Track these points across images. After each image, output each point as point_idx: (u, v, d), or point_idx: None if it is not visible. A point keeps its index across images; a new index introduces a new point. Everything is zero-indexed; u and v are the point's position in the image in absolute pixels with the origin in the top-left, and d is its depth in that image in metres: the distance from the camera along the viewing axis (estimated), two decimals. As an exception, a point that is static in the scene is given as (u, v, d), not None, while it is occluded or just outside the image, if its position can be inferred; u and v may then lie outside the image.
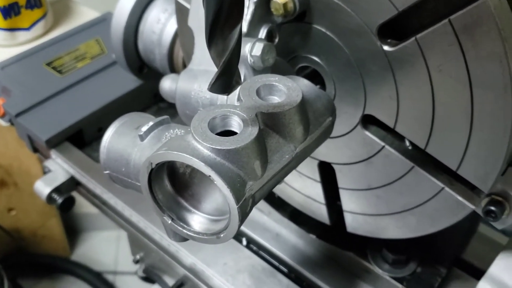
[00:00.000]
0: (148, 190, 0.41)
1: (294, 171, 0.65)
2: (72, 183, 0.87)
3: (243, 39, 0.47)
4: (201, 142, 0.37)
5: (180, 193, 0.43)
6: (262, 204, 0.78)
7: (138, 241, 0.82)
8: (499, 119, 0.43)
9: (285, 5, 0.48)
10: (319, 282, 0.71)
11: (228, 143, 0.37)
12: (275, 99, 0.43)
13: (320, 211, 0.68)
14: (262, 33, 0.49)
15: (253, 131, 0.38)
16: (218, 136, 0.38)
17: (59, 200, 0.85)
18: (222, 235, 0.40)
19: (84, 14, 1.20)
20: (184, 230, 0.42)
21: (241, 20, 0.32)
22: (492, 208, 0.51)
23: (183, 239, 0.45)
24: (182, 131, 0.43)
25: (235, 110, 0.39)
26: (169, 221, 0.42)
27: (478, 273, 0.62)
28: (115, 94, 0.96)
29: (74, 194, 0.90)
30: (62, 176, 0.87)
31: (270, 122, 0.41)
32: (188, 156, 0.37)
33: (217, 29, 0.32)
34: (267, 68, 0.47)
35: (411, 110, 0.49)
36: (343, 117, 0.55)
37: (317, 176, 0.64)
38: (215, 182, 0.37)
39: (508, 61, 0.40)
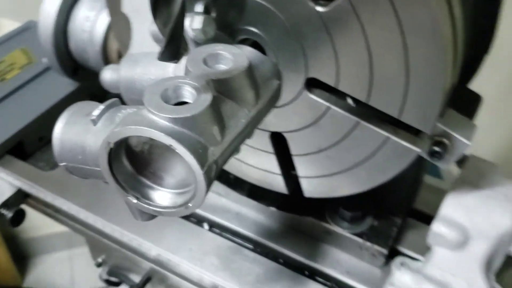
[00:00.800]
0: (109, 172, 0.41)
1: (247, 147, 0.67)
2: (20, 196, 0.85)
3: (182, 16, 0.48)
4: (157, 114, 0.37)
5: (141, 172, 0.43)
6: (219, 186, 0.79)
7: (98, 243, 0.81)
8: (432, 63, 0.46)
9: (217, -22, 0.49)
10: (284, 251, 0.73)
11: (184, 111, 0.38)
12: (223, 66, 0.44)
13: (277, 182, 0.70)
14: (199, 8, 0.50)
15: (207, 97, 0.39)
16: (173, 106, 0.38)
17: (9, 214, 0.82)
18: (190, 204, 0.41)
19: (3, 26, 1.16)
20: (151, 207, 0.43)
21: (183, -15, 0.33)
22: (436, 149, 0.55)
23: (151, 217, 0.45)
24: (134, 109, 0.43)
25: (185, 80, 0.40)
26: (135, 201, 0.42)
27: (431, 220, 0.66)
28: (51, 100, 0.93)
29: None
30: (8, 190, 0.84)
31: (221, 88, 0.42)
32: (146, 128, 0.37)
33: (160, -3, 0.33)
34: (209, 41, 0.48)
35: (350, 67, 0.52)
36: (287, 84, 0.57)
37: (270, 147, 0.65)
38: (177, 151, 0.37)
39: (435, 5, 0.43)
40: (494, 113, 1.41)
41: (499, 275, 0.69)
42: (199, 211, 0.79)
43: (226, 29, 0.57)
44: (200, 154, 0.38)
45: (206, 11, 0.52)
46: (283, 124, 0.61)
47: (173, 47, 0.35)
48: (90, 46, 0.81)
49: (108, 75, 0.59)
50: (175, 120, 0.37)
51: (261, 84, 0.45)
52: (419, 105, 0.50)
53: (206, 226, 0.78)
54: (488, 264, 0.65)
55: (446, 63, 0.46)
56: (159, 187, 0.43)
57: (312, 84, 0.56)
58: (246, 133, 0.45)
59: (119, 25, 0.63)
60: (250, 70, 0.43)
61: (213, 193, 0.80)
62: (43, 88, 0.96)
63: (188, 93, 0.40)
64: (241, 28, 0.56)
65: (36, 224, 1.76)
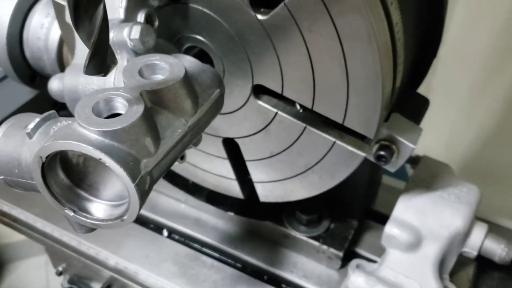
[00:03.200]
0: (43, 186, 0.41)
1: (201, 152, 0.67)
2: (-23, 206, 0.83)
3: (122, 25, 0.48)
4: (87, 127, 0.37)
5: (77, 184, 0.43)
6: (178, 192, 0.78)
7: (57, 252, 0.80)
8: (370, 68, 0.47)
9: (158, -13, 0.49)
10: (242, 256, 0.73)
11: (114, 124, 0.37)
12: (159, 77, 0.43)
13: (233, 187, 0.70)
14: (141, 17, 0.50)
15: (139, 109, 0.38)
16: (102, 119, 0.38)
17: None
18: (125, 217, 0.41)
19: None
20: (88, 220, 0.42)
21: (102, -2, 0.33)
22: (382, 153, 0.55)
23: (89, 229, 0.45)
24: (69, 121, 0.43)
25: (117, 92, 0.40)
26: (71, 214, 0.42)
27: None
28: (10, 108, 0.92)
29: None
30: (-36, 202, 0.83)
31: (157, 99, 0.42)
32: (75, 142, 0.37)
33: (81, 10, 0.32)
34: (150, 50, 0.48)
35: (293, 73, 0.52)
36: (235, 91, 0.57)
37: (223, 153, 0.65)
38: (107, 164, 0.37)
39: (367, 12, 0.44)
40: (465, 113, 1.44)
41: (453, 275, 0.70)
42: (157, 218, 0.79)
43: (172, 38, 0.57)
44: (131, 167, 0.38)
45: (149, 19, 0.52)
46: (234, 130, 0.62)
47: (99, 60, 0.35)
48: (45, 53, 0.80)
49: (54, 85, 0.58)
50: (104, 133, 0.37)
51: (200, 93, 0.45)
52: (361, 110, 0.51)
53: (165, 232, 0.77)
54: (440, 265, 0.66)
55: (383, 68, 0.47)
56: (95, 199, 0.43)
57: (260, 90, 0.57)
58: (186, 142, 0.44)
59: (67, 33, 0.62)
60: (187, 80, 0.43)
61: (172, 199, 0.80)
62: (1, 96, 0.95)
63: (120, 105, 0.40)
64: (187, 36, 0.56)
65: (9, 230, 1.74)
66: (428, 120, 1.56)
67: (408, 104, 0.59)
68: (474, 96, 1.41)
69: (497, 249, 0.66)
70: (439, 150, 1.50)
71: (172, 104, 0.42)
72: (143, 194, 0.39)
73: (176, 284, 0.69)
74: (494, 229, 0.74)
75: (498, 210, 0.98)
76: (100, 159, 0.37)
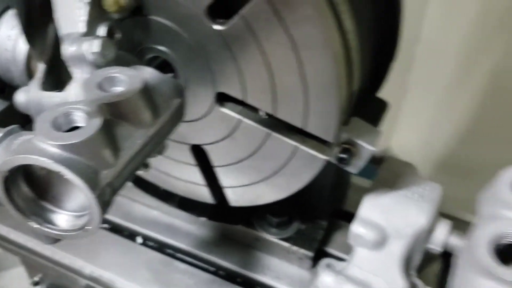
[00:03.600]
0: (6, 199, 0.41)
1: (170, 160, 0.68)
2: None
3: (82, 39, 0.49)
4: (46, 141, 0.38)
5: (42, 196, 0.44)
6: (150, 199, 0.79)
7: (32, 263, 0.80)
8: (325, 75, 0.49)
9: (117, 2, 0.50)
10: (215, 260, 0.74)
11: (72, 138, 0.38)
12: (119, 89, 0.44)
13: (203, 193, 0.71)
14: (102, 30, 0.51)
15: (97, 122, 0.40)
16: (61, 133, 0.39)
17: None
18: (89, 228, 0.42)
19: None
20: (52, 231, 0.43)
21: (52, 16, 0.34)
22: (343, 155, 0.57)
23: (55, 240, 0.46)
24: (31, 136, 0.44)
25: (77, 105, 0.41)
26: (36, 226, 0.43)
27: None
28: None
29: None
30: None
31: (116, 111, 0.43)
32: (34, 157, 0.38)
33: (33, 27, 0.34)
34: (110, 63, 0.49)
35: (254, 81, 0.53)
36: (199, 99, 0.58)
37: (192, 160, 0.67)
38: (67, 177, 0.38)
39: (320, 21, 0.45)
40: (442, 109, 1.46)
41: (421, 271, 0.72)
42: (131, 225, 0.79)
43: (134, 49, 0.58)
44: (91, 179, 0.39)
45: (110, 32, 0.53)
46: (201, 137, 0.63)
47: (54, 76, 0.36)
48: (13, 65, 0.80)
49: (20, 97, 0.59)
50: (63, 147, 0.38)
51: (160, 103, 0.46)
52: (319, 116, 0.52)
53: (139, 239, 0.78)
54: (406, 262, 0.68)
55: (338, 75, 0.48)
56: (59, 210, 0.44)
57: (224, 98, 0.58)
58: (147, 151, 0.46)
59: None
60: (146, 91, 0.44)
61: (145, 206, 0.81)
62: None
63: (79, 118, 0.41)
64: (149, 47, 0.57)
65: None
66: (405, 117, 1.57)
67: (367, 108, 0.61)
68: (450, 93, 1.43)
69: (460, 245, 0.68)
70: (416, 147, 1.53)
71: (131, 115, 0.43)
72: (104, 204, 0.41)
73: (149, 289, 0.70)
74: (463, 226, 0.76)
75: (469, 204, 1.00)
76: (60, 172, 0.38)
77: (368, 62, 0.60)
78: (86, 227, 0.42)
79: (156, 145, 0.47)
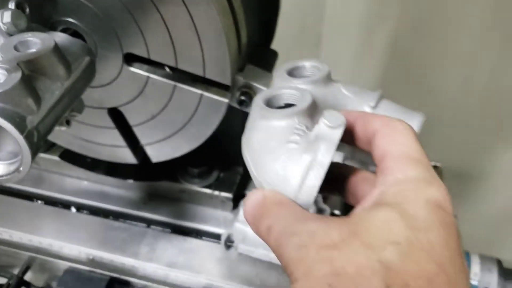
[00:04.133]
0: None
1: (91, 127, 0.75)
2: None
3: (-6, 13, 0.55)
4: (-26, 94, 0.44)
5: (-24, 150, 0.50)
6: (78, 171, 0.85)
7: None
8: (213, 26, 0.57)
9: (19, -22, 0.56)
10: (145, 215, 0.82)
11: (-3, 88, 0.45)
12: (33, 50, 0.51)
13: (126, 154, 0.78)
14: (11, 4, 0.57)
15: (17, 75, 0.46)
16: (-14, 85, 0.45)
17: None
18: (21, 168, 0.48)
19: None
20: (-14, 178, 0.49)
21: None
22: (242, 98, 0.66)
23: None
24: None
25: (-3, 65, 0.47)
26: (-29, 175, 0.49)
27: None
28: None
29: None
30: None
31: (33, 67, 0.49)
32: (-35, 107, 0.44)
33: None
34: (23, 32, 0.55)
35: (154, 39, 0.61)
36: (110, 63, 0.65)
37: (110, 123, 0.74)
38: (-4, 122, 0.44)
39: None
40: (352, 82, 1.58)
41: (327, 197, 0.83)
42: (64, 197, 0.85)
43: (46, 23, 0.64)
44: (18, 122, 0.45)
45: (20, 7, 0.59)
46: (115, 99, 0.70)
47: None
48: None
49: None
50: (-10, 97, 0.45)
51: (72, 61, 0.53)
52: (215, 63, 0.61)
53: (73, 209, 0.84)
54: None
55: (224, 26, 0.57)
56: (-6, 160, 0.50)
57: (131, 58, 0.65)
58: (66, 103, 0.53)
59: None
60: (58, 49, 0.51)
61: (74, 178, 0.87)
62: None
63: (1, 76, 0.47)
64: (59, 20, 0.63)
65: None
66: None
67: (260, 57, 0.71)
68: (356, 63, 1.55)
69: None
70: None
71: (47, 70, 0.50)
72: (33, 145, 0.47)
73: (88, 247, 0.77)
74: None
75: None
76: (-11, 118, 0.44)
77: (255, 17, 0.69)
78: (19, 169, 0.48)
79: (73, 97, 0.54)
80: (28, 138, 0.46)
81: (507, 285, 0.79)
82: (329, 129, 0.39)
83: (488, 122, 1.42)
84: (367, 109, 0.52)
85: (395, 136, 0.40)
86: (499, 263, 0.82)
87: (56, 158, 0.86)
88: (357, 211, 0.38)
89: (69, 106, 0.54)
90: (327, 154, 0.39)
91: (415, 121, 0.52)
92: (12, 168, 0.50)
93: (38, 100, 0.48)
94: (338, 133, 0.39)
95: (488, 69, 1.35)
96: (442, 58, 1.36)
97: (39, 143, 0.49)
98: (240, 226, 0.74)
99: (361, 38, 1.46)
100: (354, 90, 0.53)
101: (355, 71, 1.55)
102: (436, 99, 1.41)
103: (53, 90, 0.51)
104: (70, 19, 0.63)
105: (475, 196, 1.54)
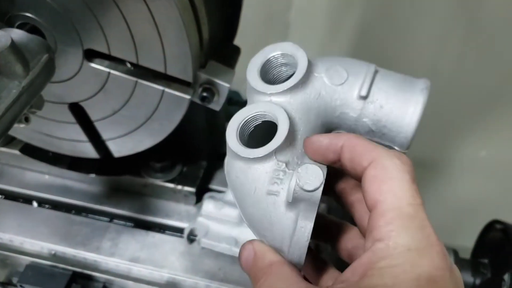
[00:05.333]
0: None
1: (53, 121, 0.74)
2: None
3: None
4: None
5: None
6: (40, 165, 0.84)
7: None
8: (174, 22, 0.57)
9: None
10: (108, 209, 0.82)
11: (-50, 87, 0.44)
12: (-11, 48, 0.50)
13: (87, 149, 0.78)
14: (-35, 0, 0.56)
15: (-28, 74, 0.46)
16: None
17: None
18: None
19: None
20: None
21: None
22: (204, 94, 0.67)
23: None
24: None
25: (-49, 62, 0.46)
26: None
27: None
28: None
29: None
30: None
31: (-11, 66, 0.49)
32: None
33: None
34: (-22, 28, 0.54)
35: (114, 34, 0.61)
36: (70, 58, 0.65)
37: (71, 118, 0.73)
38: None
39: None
40: None
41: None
42: (25, 191, 0.84)
43: (2, 18, 0.63)
44: (-28, 122, 0.45)
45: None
46: (76, 95, 0.69)
47: None
48: None
49: None
50: None
51: (30, 58, 0.53)
52: (176, 60, 0.62)
53: (35, 204, 0.83)
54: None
55: (185, 22, 0.58)
56: None
57: (92, 54, 0.65)
58: (23, 101, 0.52)
59: None
60: (14, 47, 0.50)
61: (35, 172, 0.86)
62: None
63: (-45, 73, 0.47)
64: (16, 15, 0.62)
65: None
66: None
67: (223, 53, 0.71)
68: (325, 52, 1.56)
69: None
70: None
71: (4, 69, 0.50)
72: (-11, 146, 0.47)
73: (50, 242, 0.76)
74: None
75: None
76: None
77: (217, 12, 0.70)
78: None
79: (32, 96, 0.54)
80: (-17, 138, 0.46)
81: (462, 275, 0.82)
82: (308, 193, 0.38)
83: (452, 113, 1.45)
84: (358, 100, 0.45)
85: (386, 182, 0.36)
86: (455, 253, 0.86)
87: (17, 152, 0.84)
88: (344, 279, 0.36)
89: (27, 104, 0.53)
90: (310, 217, 0.39)
91: (418, 91, 0.45)
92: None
93: (-7, 99, 0.48)
94: (317, 196, 0.38)
95: (454, 59, 1.37)
96: (409, 46, 1.38)
97: (-4, 142, 0.49)
98: (203, 220, 0.75)
99: (328, 26, 1.47)
100: (341, 75, 0.46)
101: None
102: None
103: (10, 89, 0.50)
104: (28, 14, 0.62)
105: (436, 185, 1.58)
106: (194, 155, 0.85)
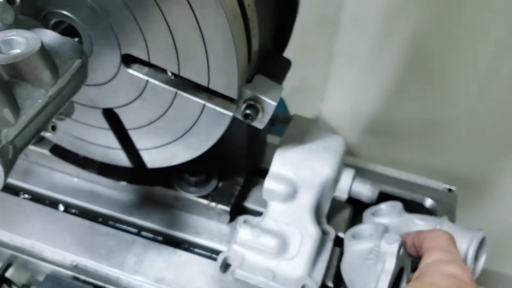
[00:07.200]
0: None
1: (84, 125, 0.69)
2: None
3: (-22, 4, 0.49)
4: None
5: None
6: (69, 167, 0.80)
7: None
8: (221, 33, 0.51)
9: (12, -35, 0.50)
10: (136, 221, 0.77)
11: (-32, 97, 0.39)
12: (17, 51, 0.45)
13: (119, 157, 0.73)
14: (-2, -4, 0.51)
15: (-7, 82, 0.41)
16: (-43, 94, 0.40)
17: None
18: (-6, 185, 0.43)
19: None
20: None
21: None
22: (248, 111, 0.60)
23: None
24: None
25: (-29, 68, 0.42)
26: None
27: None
28: None
29: None
30: None
31: (15, 72, 0.44)
32: None
33: None
34: (10, 27, 0.49)
35: (156, 41, 0.55)
36: (106, 62, 0.60)
37: (105, 124, 0.68)
38: (-35, 136, 0.39)
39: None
40: (366, 75, 1.52)
41: (331, 218, 0.78)
42: (52, 194, 0.80)
43: (38, 14, 0.58)
44: (-9, 137, 0.40)
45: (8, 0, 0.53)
46: (111, 100, 0.64)
47: None
48: None
49: None
50: (-41, 107, 0.39)
51: (60, 64, 0.48)
52: (221, 73, 0.55)
53: (61, 207, 0.79)
54: (317, 210, 0.73)
55: (234, 33, 0.51)
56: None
57: (130, 60, 0.59)
58: (50, 111, 0.47)
59: None
60: (44, 52, 0.45)
61: (65, 174, 0.81)
62: None
63: (-24, 81, 0.42)
64: (52, 12, 0.57)
65: None
66: (333, 85, 1.62)
67: (271, 66, 0.65)
68: (373, 58, 1.49)
69: (363, 190, 0.74)
70: (344, 113, 1.59)
71: (30, 76, 0.44)
72: (7, 162, 0.42)
73: (72, 253, 0.71)
74: (371, 175, 0.83)
75: (393, 160, 1.07)
76: (-44, 131, 0.39)
77: (270, 22, 0.63)
78: (-9, 187, 0.43)
79: (59, 106, 0.48)
80: (1, 154, 0.41)
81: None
82: (389, 245, 0.60)
83: (502, 132, 1.36)
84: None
85: (435, 238, 0.60)
86: None
87: (47, 152, 0.80)
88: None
89: (54, 115, 0.48)
90: (390, 263, 0.59)
91: (475, 238, 0.66)
92: (-15, 183, 0.44)
93: (16, 110, 0.43)
94: (395, 248, 0.59)
95: (506, 81, 1.29)
96: (461, 63, 1.30)
97: (15, 158, 0.44)
98: (238, 249, 0.69)
99: (379, 33, 1.40)
100: (424, 218, 0.72)
101: (370, 67, 1.49)
102: (452, 104, 1.36)
103: (35, 98, 0.45)
104: (65, 12, 0.57)
105: (482, 207, 1.49)
106: (231, 170, 0.79)
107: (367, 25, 1.41)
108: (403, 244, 0.61)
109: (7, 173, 0.42)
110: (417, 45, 1.35)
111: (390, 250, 0.59)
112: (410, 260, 0.64)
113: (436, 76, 1.38)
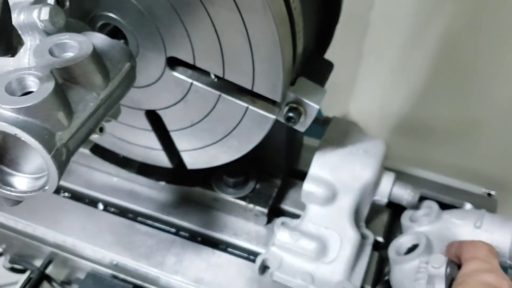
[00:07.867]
0: (-36, 165, 0.43)
1: (126, 126, 0.70)
2: None
3: (31, 7, 0.49)
4: (1, 106, 0.40)
5: (0, 161, 0.45)
6: (109, 167, 0.81)
7: (-6, 234, 0.82)
8: (268, 36, 0.51)
9: (64, -31, 0.51)
10: (175, 221, 0.77)
11: (26, 101, 0.40)
12: (69, 54, 0.46)
13: (160, 157, 0.73)
14: (50, 0, 0.52)
15: (49, 86, 0.41)
16: (16, 97, 0.40)
17: None
18: (47, 187, 0.44)
19: None
20: (12, 193, 0.45)
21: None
22: (290, 114, 0.60)
23: (15, 202, 0.47)
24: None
25: (29, 71, 0.42)
26: (-5, 189, 0.45)
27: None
28: None
29: None
30: None
31: (68, 75, 0.45)
32: (-10, 121, 0.39)
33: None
34: (61, 30, 0.50)
35: (202, 44, 0.56)
36: (151, 64, 0.60)
37: (147, 125, 0.69)
38: (22, 139, 0.40)
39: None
40: (396, 74, 1.50)
41: (370, 222, 0.77)
42: (92, 193, 0.81)
43: (85, 17, 0.59)
44: (47, 140, 0.41)
45: (59, 1, 0.53)
46: (155, 102, 0.65)
47: (4, 41, 0.38)
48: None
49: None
50: (18, 110, 0.40)
51: (111, 67, 0.48)
52: (266, 77, 0.55)
53: (100, 206, 0.81)
54: (356, 214, 0.72)
55: (281, 37, 0.51)
56: (18, 173, 0.45)
57: (175, 62, 0.60)
58: (100, 114, 0.48)
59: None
60: (96, 55, 0.46)
61: (104, 173, 0.82)
62: None
63: (32, 83, 0.42)
64: (99, 15, 0.58)
65: None
66: (362, 82, 1.60)
67: (313, 68, 0.64)
68: (404, 56, 1.47)
69: (404, 194, 0.73)
70: (374, 111, 1.57)
71: (83, 79, 0.45)
72: (61, 165, 0.43)
73: (112, 252, 0.73)
74: (409, 179, 0.82)
75: (425, 162, 1.06)
76: (16, 134, 0.39)
77: (313, 24, 0.63)
78: (44, 188, 0.44)
79: (109, 108, 0.49)
80: (55, 157, 0.41)
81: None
82: (435, 270, 0.61)
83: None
84: (474, 229, 0.68)
85: (474, 249, 0.61)
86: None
87: (87, 151, 0.82)
88: None
89: (104, 117, 0.49)
90: (440, 286, 0.60)
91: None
92: (38, 184, 0.45)
93: (70, 113, 0.43)
94: (442, 271, 0.61)
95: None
96: (496, 63, 1.27)
97: (67, 161, 0.44)
98: (276, 251, 0.69)
99: (411, 31, 1.38)
100: (462, 215, 0.70)
101: (401, 65, 1.48)
102: (485, 105, 1.33)
103: (87, 101, 0.45)
104: (112, 14, 0.58)
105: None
106: (269, 172, 0.79)
107: (398, 22, 1.38)
108: (449, 263, 0.62)
109: (60, 175, 0.43)
110: (450, 43, 1.32)
111: (438, 274, 0.60)
112: (456, 268, 0.64)
113: (469, 75, 1.35)
